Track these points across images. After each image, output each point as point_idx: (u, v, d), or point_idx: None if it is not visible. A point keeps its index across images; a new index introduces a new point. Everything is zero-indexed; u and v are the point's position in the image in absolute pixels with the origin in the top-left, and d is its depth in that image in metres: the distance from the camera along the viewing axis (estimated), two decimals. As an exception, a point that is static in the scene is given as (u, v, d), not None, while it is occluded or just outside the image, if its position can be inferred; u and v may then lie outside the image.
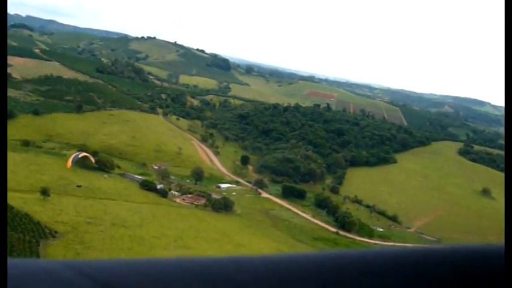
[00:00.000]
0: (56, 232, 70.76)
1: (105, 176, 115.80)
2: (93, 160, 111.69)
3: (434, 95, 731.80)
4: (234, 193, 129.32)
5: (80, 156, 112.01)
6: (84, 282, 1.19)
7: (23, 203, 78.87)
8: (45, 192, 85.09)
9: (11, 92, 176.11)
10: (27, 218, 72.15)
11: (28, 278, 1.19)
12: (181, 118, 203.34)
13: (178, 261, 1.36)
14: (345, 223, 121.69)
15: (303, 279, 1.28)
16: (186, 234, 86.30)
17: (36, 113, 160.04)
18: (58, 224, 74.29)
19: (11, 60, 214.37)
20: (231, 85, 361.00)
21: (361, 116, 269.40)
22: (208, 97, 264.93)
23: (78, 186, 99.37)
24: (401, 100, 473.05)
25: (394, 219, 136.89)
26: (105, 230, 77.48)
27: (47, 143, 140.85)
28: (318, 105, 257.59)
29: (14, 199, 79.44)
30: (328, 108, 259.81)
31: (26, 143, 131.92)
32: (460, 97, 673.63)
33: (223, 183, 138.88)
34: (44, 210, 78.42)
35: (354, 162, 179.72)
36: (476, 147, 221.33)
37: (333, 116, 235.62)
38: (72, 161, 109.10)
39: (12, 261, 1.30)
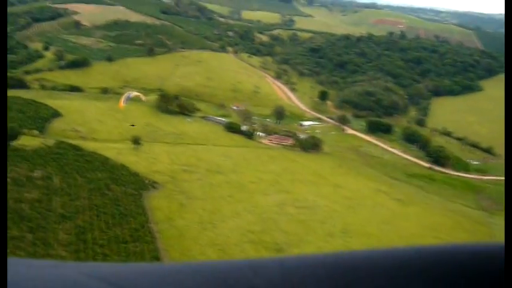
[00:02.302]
0: (155, 183, 68.51)
1: (189, 119, 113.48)
2: (143, 99, 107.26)
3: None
4: (317, 130, 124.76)
5: (131, 96, 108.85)
6: (98, 285, 1.19)
7: (117, 153, 77.02)
8: (136, 141, 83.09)
9: (82, 40, 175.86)
10: (124, 170, 70.06)
11: (44, 279, 1.19)
12: (252, 55, 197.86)
13: (193, 266, 1.35)
14: (438, 157, 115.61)
15: (316, 282, 1.31)
16: (282, 178, 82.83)
17: (109, 59, 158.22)
18: (155, 173, 72.04)
19: (78, 8, 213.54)
20: (294, 18, 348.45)
21: (436, 42, 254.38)
22: (276, 32, 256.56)
23: (131, 125, 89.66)
24: (472, 23, 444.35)
25: (488, 151, 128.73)
26: (202, 178, 74.89)
27: (125, 89, 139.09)
28: (391, 34, 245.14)
29: (108, 150, 77.98)
30: (402, 36, 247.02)
31: (104, 91, 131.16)
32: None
33: (305, 120, 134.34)
34: (139, 160, 76.30)
35: (437, 92, 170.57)
36: None
37: (408, 44, 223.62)
38: (124, 101, 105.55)
39: (25, 262, 1.32)
